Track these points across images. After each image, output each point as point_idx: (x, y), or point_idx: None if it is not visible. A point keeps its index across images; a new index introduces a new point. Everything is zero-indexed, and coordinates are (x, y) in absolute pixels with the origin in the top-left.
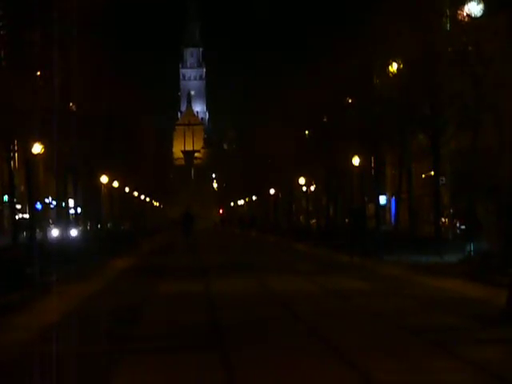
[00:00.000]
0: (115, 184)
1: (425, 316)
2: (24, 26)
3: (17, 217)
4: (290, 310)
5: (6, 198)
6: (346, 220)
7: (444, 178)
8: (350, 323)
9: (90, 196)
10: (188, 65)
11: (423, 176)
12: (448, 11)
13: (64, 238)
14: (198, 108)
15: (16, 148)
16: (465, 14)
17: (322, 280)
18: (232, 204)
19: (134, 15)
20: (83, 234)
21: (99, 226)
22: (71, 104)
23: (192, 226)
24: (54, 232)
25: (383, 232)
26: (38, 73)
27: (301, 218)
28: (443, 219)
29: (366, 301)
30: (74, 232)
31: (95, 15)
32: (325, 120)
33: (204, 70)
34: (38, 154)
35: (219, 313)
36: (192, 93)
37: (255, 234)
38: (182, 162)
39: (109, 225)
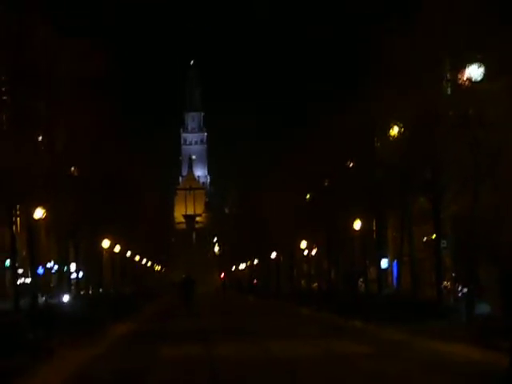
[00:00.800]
0: (117, 248)
1: (429, 380)
2: (26, 92)
3: (18, 281)
4: (296, 379)
5: (7, 262)
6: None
7: (445, 242)
8: None
9: (92, 260)
10: (189, 129)
11: (424, 239)
12: (449, 75)
13: (65, 303)
14: (200, 172)
15: (18, 212)
16: (465, 78)
17: (325, 345)
18: (233, 268)
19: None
20: (84, 298)
21: (101, 290)
22: (73, 168)
23: (193, 290)
24: (65, 297)
25: (385, 295)
26: (40, 137)
27: (302, 281)
28: (445, 282)
29: (370, 365)
30: (66, 297)
31: (98, 80)
32: (326, 184)
33: (205, 134)
34: (40, 219)
35: (225, 379)
36: (193, 157)
37: (254, 299)
38: (184, 226)
39: (112, 290)
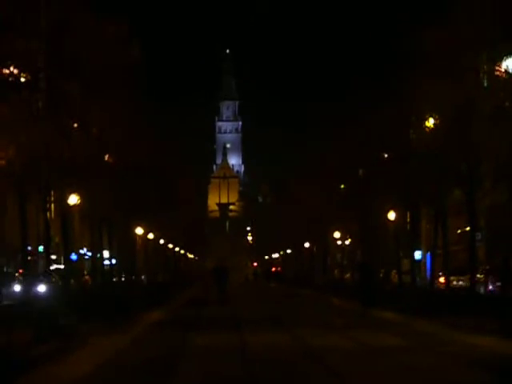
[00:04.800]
0: (150, 236)
1: (463, 373)
2: (62, 78)
3: (52, 267)
4: (331, 368)
5: (41, 248)
6: (381, 275)
7: (479, 234)
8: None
9: (125, 247)
10: (224, 118)
11: (459, 231)
12: (485, 67)
13: (98, 289)
14: (234, 161)
15: (52, 199)
16: (502, 70)
17: (357, 335)
18: (266, 257)
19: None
20: (116, 285)
21: (133, 277)
22: (107, 155)
23: (226, 278)
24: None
25: (418, 288)
26: (76, 124)
27: (335, 271)
28: (479, 275)
29: (404, 359)
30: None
31: (134, 68)
32: (361, 174)
33: (240, 123)
34: (74, 205)
35: (256, 367)
36: (228, 146)
37: (286, 288)
38: (217, 215)
39: (143, 276)
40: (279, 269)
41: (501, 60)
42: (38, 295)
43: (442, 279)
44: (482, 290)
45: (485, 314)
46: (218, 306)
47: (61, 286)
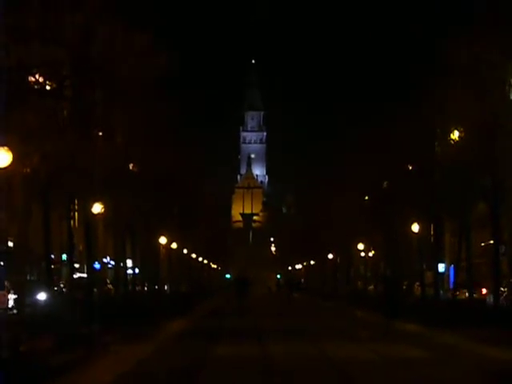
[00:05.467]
0: (174, 245)
1: None
2: (88, 87)
3: (75, 276)
4: (353, 380)
5: (64, 256)
6: (404, 287)
7: (503, 247)
8: None
9: (148, 257)
10: (249, 128)
11: (482, 244)
12: (511, 80)
13: (121, 298)
14: (258, 171)
15: (76, 207)
16: None
17: (380, 347)
18: (290, 268)
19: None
20: (139, 294)
21: (156, 286)
22: (132, 164)
23: (247, 289)
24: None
25: (441, 300)
26: (101, 133)
27: (359, 283)
28: (502, 288)
29: (425, 371)
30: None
31: (159, 78)
32: (385, 186)
33: (265, 133)
34: (98, 214)
35: (278, 379)
36: (252, 156)
37: (309, 299)
38: (241, 225)
39: (166, 286)
40: (302, 280)
41: None
42: (37, 303)
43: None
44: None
45: (508, 326)
46: (239, 316)
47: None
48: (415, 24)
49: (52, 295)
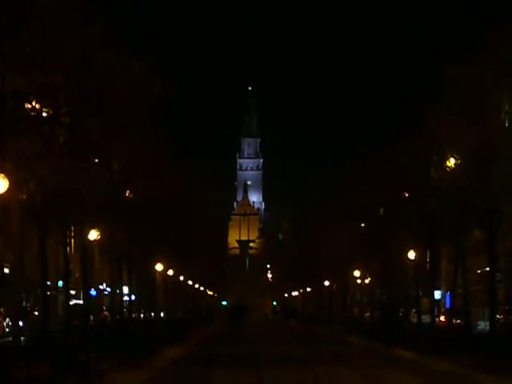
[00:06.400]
0: (170, 272)
1: None
2: (84, 114)
3: (71, 302)
4: None
5: (60, 283)
6: (400, 314)
7: (499, 274)
8: None
9: (145, 283)
10: (245, 155)
11: (478, 271)
12: (507, 107)
13: (117, 325)
14: (254, 198)
15: (72, 234)
16: None
17: (377, 374)
18: (286, 295)
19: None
20: (136, 321)
21: (153, 313)
22: (128, 191)
23: (244, 316)
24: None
25: (437, 327)
26: (97, 160)
27: (355, 310)
28: (498, 316)
29: None
30: None
31: (156, 105)
32: (381, 213)
33: (261, 160)
34: (94, 241)
35: None
36: (248, 183)
37: (305, 326)
38: (237, 252)
39: (162, 313)
40: (298, 307)
41: None
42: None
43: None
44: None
45: (505, 353)
46: (236, 343)
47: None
48: (413, 51)
49: (48, 322)
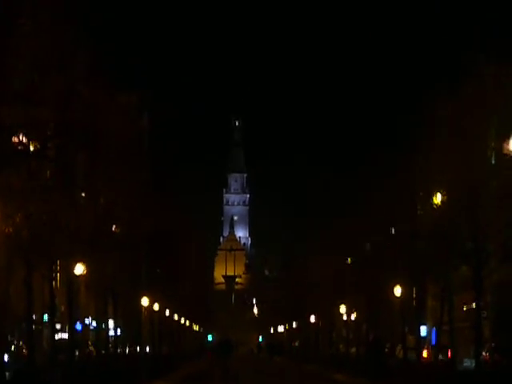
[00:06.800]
0: (156, 307)
1: None
2: (71, 148)
3: (56, 337)
4: None
5: (45, 317)
6: (386, 350)
7: (485, 312)
8: None
9: (130, 318)
10: (232, 190)
11: (464, 308)
12: (493, 144)
13: (102, 360)
14: (241, 233)
15: (58, 267)
16: (510, 148)
17: None
18: (272, 330)
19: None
20: (121, 356)
21: (138, 348)
22: (114, 226)
23: (230, 352)
24: None
25: (423, 364)
26: (83, 194)
27: (341, 346)
28: (484, 353)
29: None
30: None
31: (142, 139)
32: (368, 248)
33: (248, 195)
34: (80, 275)
35: None
36: (235, 218)
37: (290, 363)
38: (223, 287)
39: (148, 348)
40: (283, 342)
41: (509, 138)
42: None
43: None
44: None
45: None
46: (222, 379)
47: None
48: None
49: (33, 356)
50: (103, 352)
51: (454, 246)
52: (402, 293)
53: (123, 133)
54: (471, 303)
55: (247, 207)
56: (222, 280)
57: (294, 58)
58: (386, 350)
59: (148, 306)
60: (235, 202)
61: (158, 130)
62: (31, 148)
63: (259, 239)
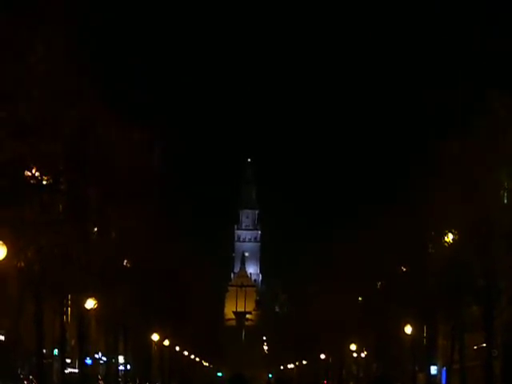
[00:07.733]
0: (166, 342)
1: None
2: (83, 182)
3: (66, 371)
4: None
5: (56, 351)
6: None
7: (496, 351)
8: None
9: (140, 353)
10: (243, 226)
11: (475, 347)
12: (506, 184)
13: None
14: (252, 269)
15: (69, 302)
16: None
17: None
18: (282, 367)
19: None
20: None
21: (148, 383)
22: (126, 261)
23: None
24: None
25: None
26: (95, 228)
27: (351, 383)
28: None
29: None
30: None
31: (154, 175)
32: (379, 287)
33: (259, 232)
34: (91, 309)
35: None
36: (246, 254)
37: None
38: (234, 323)
39: (157, 383)
40: (293, 379)
41: None
42: None
43: None
44: None
45: None
46: None
47: None
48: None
49: None
50: None
51: (465, 283)
52: (412, 331)
53: (135, 168)
54: (482, 342)
55: (258, 243)
56: (233, 316)
57: (306, 96)
58: None
59: (158, 342)
60: (246, 238)
61: (170, 165)
62: (44, 182)
63: (270, 276)
